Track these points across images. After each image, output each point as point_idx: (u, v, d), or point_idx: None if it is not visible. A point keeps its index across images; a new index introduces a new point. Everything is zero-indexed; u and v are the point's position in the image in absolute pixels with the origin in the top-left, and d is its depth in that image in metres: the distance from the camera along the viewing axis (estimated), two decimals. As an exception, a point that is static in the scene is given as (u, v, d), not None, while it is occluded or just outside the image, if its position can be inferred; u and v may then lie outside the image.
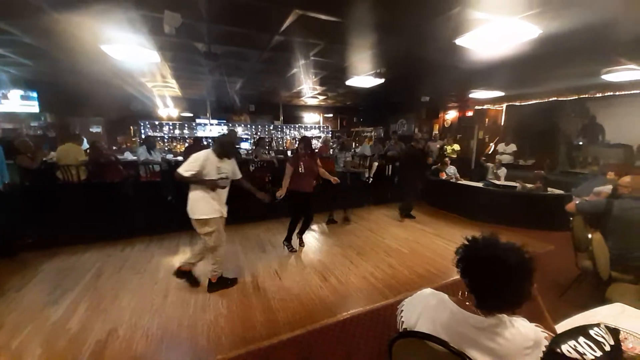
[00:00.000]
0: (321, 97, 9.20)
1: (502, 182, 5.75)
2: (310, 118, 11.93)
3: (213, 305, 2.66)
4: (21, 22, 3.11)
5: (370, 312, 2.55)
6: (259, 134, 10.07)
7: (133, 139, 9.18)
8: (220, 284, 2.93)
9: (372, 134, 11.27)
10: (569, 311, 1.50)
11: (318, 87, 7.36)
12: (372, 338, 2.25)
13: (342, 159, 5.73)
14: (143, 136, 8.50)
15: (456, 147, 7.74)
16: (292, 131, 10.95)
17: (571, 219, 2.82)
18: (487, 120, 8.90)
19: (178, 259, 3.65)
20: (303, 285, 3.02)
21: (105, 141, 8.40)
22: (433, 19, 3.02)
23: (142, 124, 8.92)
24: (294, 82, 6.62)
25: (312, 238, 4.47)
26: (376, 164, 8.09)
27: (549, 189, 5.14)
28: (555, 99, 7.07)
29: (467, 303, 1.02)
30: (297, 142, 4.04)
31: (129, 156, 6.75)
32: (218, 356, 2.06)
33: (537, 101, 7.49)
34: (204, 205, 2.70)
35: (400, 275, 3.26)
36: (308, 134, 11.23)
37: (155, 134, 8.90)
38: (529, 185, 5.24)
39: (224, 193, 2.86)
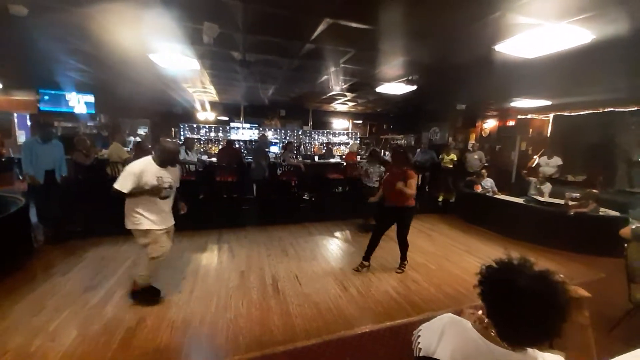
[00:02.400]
0: (351, 104, 9.18)
1: (546, 198, 5.27)
2: (339, 124, 11.95)
3: (234, 305, 2.73)
4: (81, 33, 3.48)
5: (389, 329, 2.44)
6: (288, 138, 10.29)
7: (174, 140, 9.84)
8: (140, 294, 2.67)
9: (403, 141, 10.99)
10: (618, 349, 1.31)
11: (348, 94, 7.36)
12: (390, 358, 2.15)
13: (375, 173, 4.86)
14: (182, 137, 9.09)
15: (453, 156, 7.29)
16: (320, 136, 11.05)
17: (625, 245, 2.49)
18: (530, 130, 8.25)
19: (206, 256, 3.83)
20: (322, 293, 2.99)
21: (150, 141, 9.11)
22: (471, 24, 2.88)
23: (182, 126, 9.56)
24: (323, 89, 6.68)
25: (335, 246, 4.43)
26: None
27: (602, 209, 4.61)
28: (612, 109, 6.36)
29: (492, 333, 0.93)
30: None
31: (168, 156, 7.22)
32: (235, 357, 2.10)
33: (590, 111, 6.79)
34: (142, 217, 2.51)
35: (425, 293, 3.10)
36: (336, 140, 11.25)
37: (193, 135, 9.48)
38: (571, 203, 4.73)
39: (166, 204, 2.64)
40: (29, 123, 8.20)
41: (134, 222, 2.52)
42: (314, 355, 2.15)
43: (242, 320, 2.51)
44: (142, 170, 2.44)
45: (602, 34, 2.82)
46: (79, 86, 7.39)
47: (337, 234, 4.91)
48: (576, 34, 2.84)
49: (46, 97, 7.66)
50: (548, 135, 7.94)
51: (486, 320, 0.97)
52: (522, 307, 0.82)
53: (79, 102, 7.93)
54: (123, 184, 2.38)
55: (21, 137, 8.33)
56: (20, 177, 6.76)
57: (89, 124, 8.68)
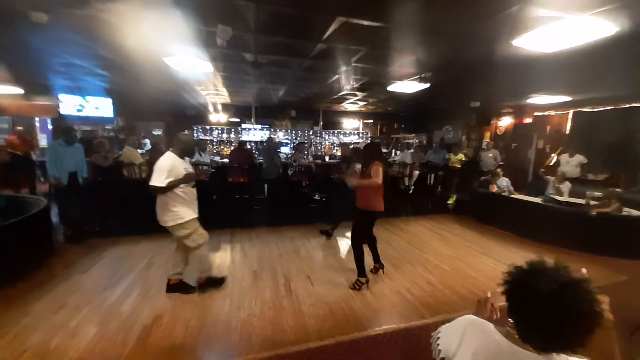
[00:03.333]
0: (361, 103, 9.13)
1: (565, 198, 5.08)
2: (350, 124, 11.91)
3: (247, 304, 2.75)
4: (98, 38, 3.58)
5: (404, 330, 2.40)
6: (298, 138, 10.33)
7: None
8: (207, 284, 2.92)
9: (415, 140, 10.84)
10: (638, 354, 1.24)
11: (358, 93, 7.31)
12: (405, 359, 2.12)
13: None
14: (195, 139, 9.26)
15: (461, 156, 7.05)
16: (331, 137, 11.03)
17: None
18: (548, 127, 8.00)
19: (219, 256, 3.86)
20: (334, 294, 2.97)
21: (164, 143, 9.33)
22: (488, 19, 2.80)
23: (195, 128, 9.74)
24: (334, 89, 6.66)
25: (346, 246, 4.40)
26: (417, 172, 7.76)
27: (625, 209, 4.40)
28: (635, 104, 6.08)
29: (517, 336, 0.89)
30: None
31: (182, 157, 7.39)
32: (248, 356, 2.11)
33: (612, 107, 6.52)
34: (176, 210, 2.64)
35: (439, 294, 3.03)
36: (347, 139, 11.20)
37: (206, 137, 9.64)
38: (592, 202, 4.53)
39: (194, 192, 2.82)
40: (50, 127, 8.53)
41: (174, 217, 2.64)
42: (326, 356, 2.14)
43: (255, 319, 2.53)
44: (172, 164, 2.59)
45: (626, 27, 2.69)
46: (97, 90, 7.63)
47: (348, 234, 4.85)
48: (599, 27, 2.72)
49: (66, 102, 7.94)
50: (567, 132, 7.67)
51: (510, 327, 0.93)
52: (543, 313, 0.78)
53: (97, 107, 8.20)
54: (159, 179, 2.51)
55: (42, 140, 8.68)
56: (42, 179, 7.04)
57: (106, 127, 8.96)
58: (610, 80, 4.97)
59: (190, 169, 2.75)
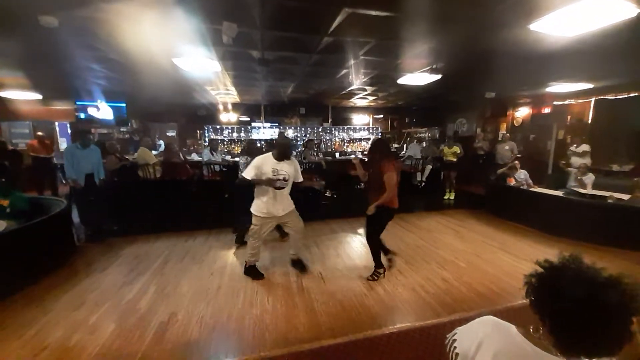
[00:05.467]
0: (371, 98, 8.99)
1: (588, 190, 4.85)
2: (360, 119, 11.77)
3: (260, 301, 2.76)
4: (107, 41, 3.63)
5: (420, 329, 2.34)
6: (308, 135, 10.30)
7: (199, 142, 10.21)
8: (247, 272, 3.22)
9: (427, 134, 10.60)
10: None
11: (368, 88, 7.19)
12: (420, 359, 2.06)
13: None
14: (207, 139, 9.38)
15: (456, 149, 6.74)
16: (340, 133, 10.95)
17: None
18: (569, 117, 7.63)
19: (232, 253, 3.90)
20: (347, 291, 2.94)
21: (177, 143, 9.52)
22: (504, 3, 2.66)
23: (206, 128, 9.87)
24: (343, 84, 6.58)
25: (358, 243, 4.35)
26: (430, 167, 7.60)
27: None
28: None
29: (543, 340, 0.83)
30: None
31: (195, 157, 7.54)
32: (261, 353, 2.11)
33: (637, 94, 6.14)
34: (257, 203, 3.01)
35: (455, 292, 2.94)
36: (357, 135, 11.09)
37: (217, 137, 9.75)
38: (615, 195, 4.29)
39: (281, 194, 2.99)
40: (69, 131, 8.85)
41: (253, 206, 3.02)
42: (340, 354, 2.11)
43: (268, 316, 2.53)
44: (262, 162, 2.89)
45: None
46: (111, 94, 7.84)
47: (360, 230, 4.81)
48: (621, 8, 2.55)
49: (82, 106, 8.21)
50: (589, 121, 7.30)
51: (532, 327, 0.86)
52: (598, 320, 0.71)
53: (112, 110, 8.44)
54: (247, 172, 2.90)
55: (63, 144, 9.00)
56: (64, 181, 7.32)
57: (121, 129, 9.21)
58: (635, 65, 4.67)
59: (282, 172, 2.92)
